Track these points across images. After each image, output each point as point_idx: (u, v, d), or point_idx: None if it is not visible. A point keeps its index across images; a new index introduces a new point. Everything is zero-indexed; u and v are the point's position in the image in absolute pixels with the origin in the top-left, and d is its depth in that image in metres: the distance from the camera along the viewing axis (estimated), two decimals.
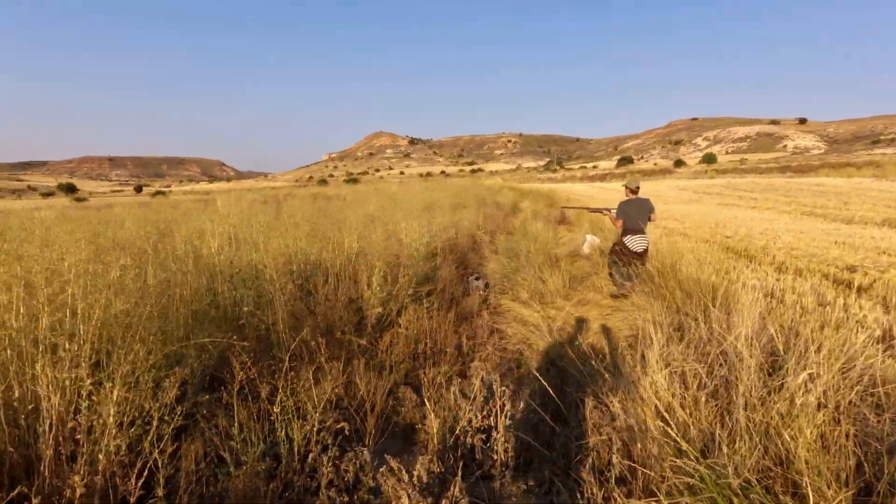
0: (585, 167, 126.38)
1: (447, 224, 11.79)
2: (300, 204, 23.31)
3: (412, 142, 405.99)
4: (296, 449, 2.65)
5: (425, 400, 2.99)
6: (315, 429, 2.71)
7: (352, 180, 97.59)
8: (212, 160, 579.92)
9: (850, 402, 2.23)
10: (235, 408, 2.65)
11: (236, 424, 2.62)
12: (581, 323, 5.53)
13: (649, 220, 6.81)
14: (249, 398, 2.85)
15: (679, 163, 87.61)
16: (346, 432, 2.83)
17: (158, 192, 73.50)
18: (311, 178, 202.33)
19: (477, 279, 7.53)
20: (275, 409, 2.70)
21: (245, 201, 29.94)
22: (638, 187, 6.99)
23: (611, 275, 6.97)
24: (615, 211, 7.09)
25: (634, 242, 6.71)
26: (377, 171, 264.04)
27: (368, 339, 4.27)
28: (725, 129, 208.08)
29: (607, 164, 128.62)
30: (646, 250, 6.75)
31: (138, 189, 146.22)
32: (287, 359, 2.89)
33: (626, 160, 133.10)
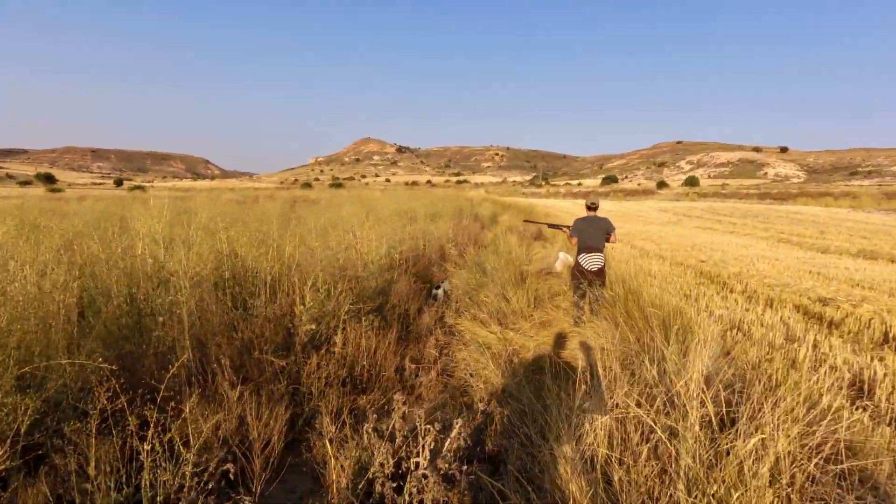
0: (570, 184, 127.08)
1: (416, 234, 11.41)
2: (273, 206, 22.77)
3: (400, 150, 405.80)
4: (160, 497, 2.22)
5: (326, 441, 2.58)
6: (190, 472, 2.29)
7: (336, 185, 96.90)
8: (197, 157, 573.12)
9: (808, 477, 1.87)
10: (93, 443, 2.21)
11: (92, 463, 2.19)
12: (538, 349, 5.16)
13: (608, 240, 6.51)
14: (114, 432, 2.41)
15: (662, 184, 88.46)
16: (233, 475, 2.40)
17: (137, 187, 71.96)
18: (296, 180, 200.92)
19: (437, 288, 7.19)
20: (144, 447, 2.27)
21: (222, 201, 29.23)
22: (595, 205, 6.67)
23: (575, 304, 6.58)
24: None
25: (588, 261, 6.39)
26: (363, 177, 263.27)
27: (294, 361, 3.84)
28: (709, 154, 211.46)
29: (592, 182, 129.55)
30: (601, 270, 6.40)
31: (118, 183, 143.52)
32: (165, 383, 2.44)
33: (610, 179, 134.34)
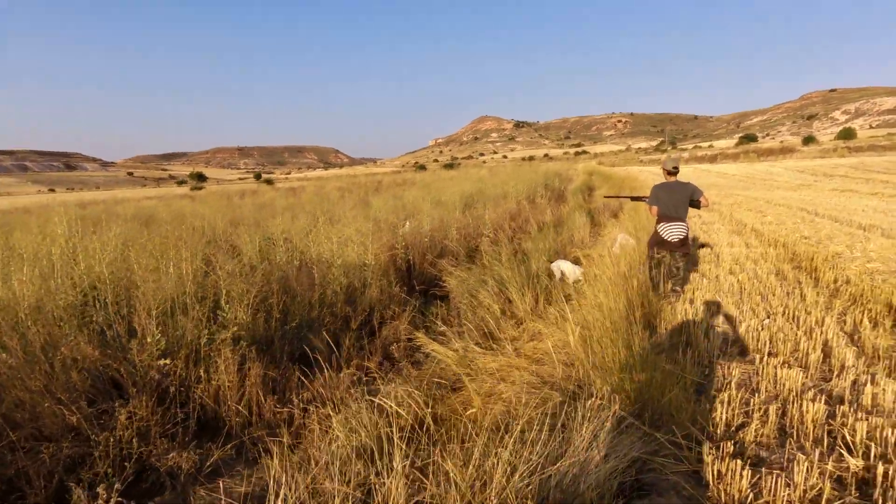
0: (700, 146, 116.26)
1: (466, 219, 10.35)
2: (336, 194, 22.74)
3: (517, 125, 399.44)
4: None
5: None
6: None
7: (448, 166, 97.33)
8: (328, 148, 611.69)
9: None
10: None
11: None
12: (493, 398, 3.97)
13: (696, 205, 5.80)
14: None
15: (809, 139, 77.55)
16: None
17: (267, 181, 77.54)
18: (416, 163, 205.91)
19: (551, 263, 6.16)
20: None
21: (327, 188, 29.99)
22: (676, 167, 5.93)
23: (649, 269, 6.03)
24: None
25: (668, 231, 5.78)
26: (481, 154, 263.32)
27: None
28: (870, 101, 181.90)
29: (726, 144, 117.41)
30: (684, 240, 5.79)
31: (257, 177, 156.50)
32: None
33: (748, 138, 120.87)
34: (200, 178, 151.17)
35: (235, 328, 4.14)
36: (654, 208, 5.89)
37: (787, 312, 4.79)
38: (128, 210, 18.15)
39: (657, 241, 5.88)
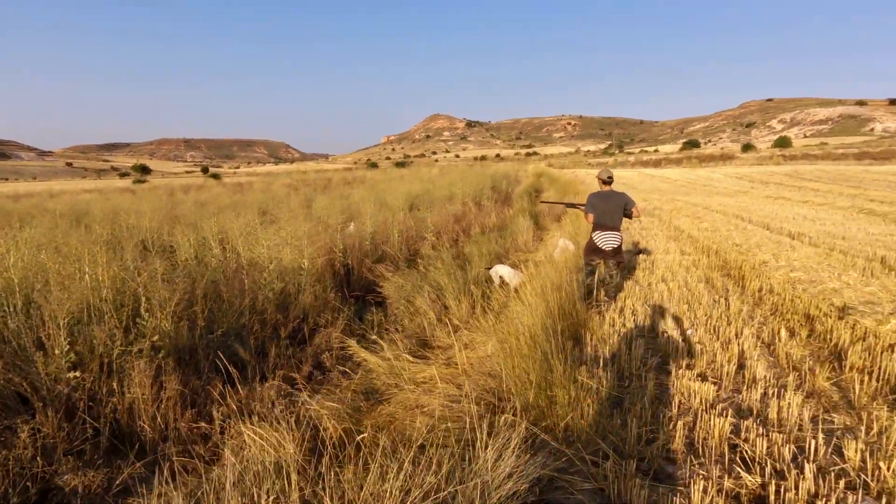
0: (646, 151, 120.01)
1: (405, 221, 10.25)
2: (282, 191, 22.25)
3: (469, 124, 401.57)
4: None
5: None
6: None
7: (400, 164, 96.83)
8: (278, 143, 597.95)
9: None
10: None
11: None
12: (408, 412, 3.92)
13: (629, 215, 5.93)
14: None
15: (747, 147, 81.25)
16: None
17: (214, 176, 75.09)
18: (368, 160, 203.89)
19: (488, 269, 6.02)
20: None
21: (275, 185, 29.20)
22: (610, 177, 6.07)
23: (585, 277, 6.17)
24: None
25: (603, 239, 5.89)
26: (434, 153, 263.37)
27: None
28: (804, 111, 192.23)
29: (671, 149, 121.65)
30: (617, 249, 5.93)
31: (205, 170, 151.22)
32: None
33: (691, 143, 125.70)
34: (144, 170, 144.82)
35: (156, 337, 3.94)
36: (591, 216, 5.96)
37: (709, 322, 4.96)
38: (61, 205, 17.14)
39: (592, 249, 5.98)
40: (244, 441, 3.12)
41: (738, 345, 4.20)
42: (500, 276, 6.94)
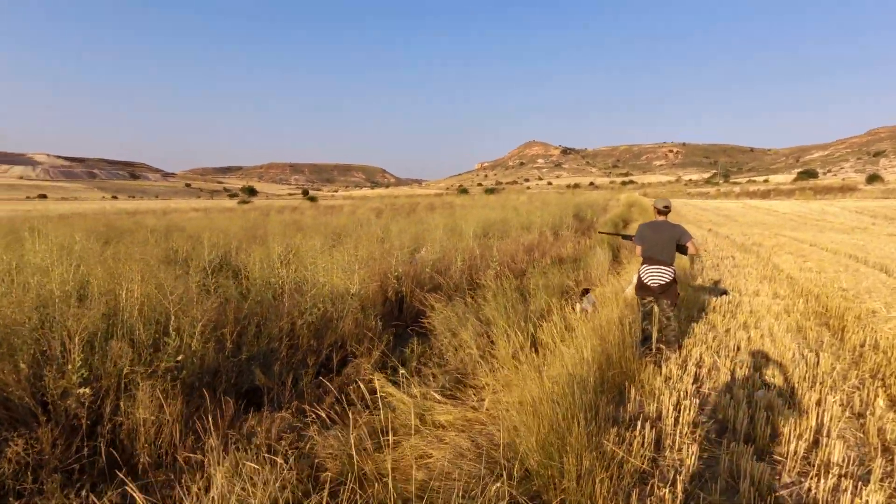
0: (755, 181, 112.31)
1: (475, 251, 9.98)
2: (367, 215, 22.71)
3: (564, 151, 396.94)
4: None
5: None
6: None
7: (490, 190, 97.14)
8: (375, 168, 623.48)
9: None
10: None
11: None
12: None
13: (683, 250, 5.28)
14: None
15: (873, 178, 73.69)
16: None
17: (311, 198, 79.35)
18: (460, 186, 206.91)
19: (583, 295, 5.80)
20: None
21: (364, 208, 30.38)
22: (667, 207, 5.48)
23: (641, 319, 5.57)
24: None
25: (649, 274, 5.30)
26: (526, 180, 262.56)
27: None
28: None
29: (783, 179, 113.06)
30: (666, 286, 5.25)
31: (305, 193, 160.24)
32: None
33: (807, 174, 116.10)
34: (251, 192, 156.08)
35: (181, 357, 3.93)
36: (639, 248, 5.47)
37: (789, 382, 4.22)
38: (164, 221, 18.60)
39: (640, 285, 5.44)
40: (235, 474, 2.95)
41: (819, 414, 3.47)
42: (594, 305, 6.63)
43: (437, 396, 4.35)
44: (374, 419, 4.20)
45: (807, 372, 4.43)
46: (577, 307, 6.90)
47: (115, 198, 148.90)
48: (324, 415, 3.70)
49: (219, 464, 3.19)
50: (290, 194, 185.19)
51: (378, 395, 4.47)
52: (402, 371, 4.58)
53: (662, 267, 5.22)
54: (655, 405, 3.61)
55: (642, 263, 5.41)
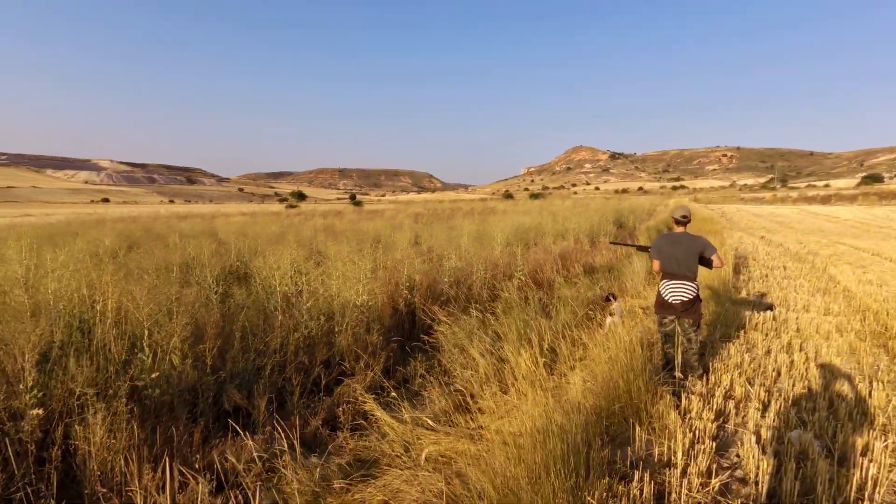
0: (814, 185, 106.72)
1: (495, 259, 9.56)
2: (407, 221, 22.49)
3: (613, 156, 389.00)
4: None
5: None
6: None
7: (535, 196, 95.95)
8: (422, 172, 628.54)
9: None
10: None
11: None
12: None
13: (707, 263, 4.75)
14: None
15: None
16: None
17: (356, 203, 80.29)
18: (506, 191, 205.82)
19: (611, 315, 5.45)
20: None
21: (405, 213, 30.52)
22: (685, 216, 4.88)
23: (662, 341, 5.06)
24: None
25: (669, 291, 4.75)
26: (573, 185, 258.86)
27: None
28: None
29: (845, 184, 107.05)
30: (688, 303, 4.68)
31: (352, 197, 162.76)
32: None
33: (872, 178, 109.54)
34: (300, 196, 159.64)
35: (156, 374, 3.72)
36: (656, 262, 4.92)
37: (832, 419, 3.61)
38: (200, 226, 18.88)
39: (660, 303, 4.86)
40: None
41: (863, 467, 2.87)
42: (622, 316, 6.26)
43: (429, 422, 3.98)
44: (359, 446, 3.89)
45: (856, 407, 3.82)
46: (608, 320, 6.40)
47: (171, 202, 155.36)
48: (296, 443, 3.38)
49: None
50: (339, 199, 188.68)
51: (371, 418, 4.16)
52: (393, 394, 4.24)
53: (685, 282, 4.68)
54: (667, 446, 3.10)
55: (661, 279, 4.87)
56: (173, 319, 4.01)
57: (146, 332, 3.84)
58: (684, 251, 4.69)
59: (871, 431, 3.40)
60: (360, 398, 4.37)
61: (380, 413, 4.01)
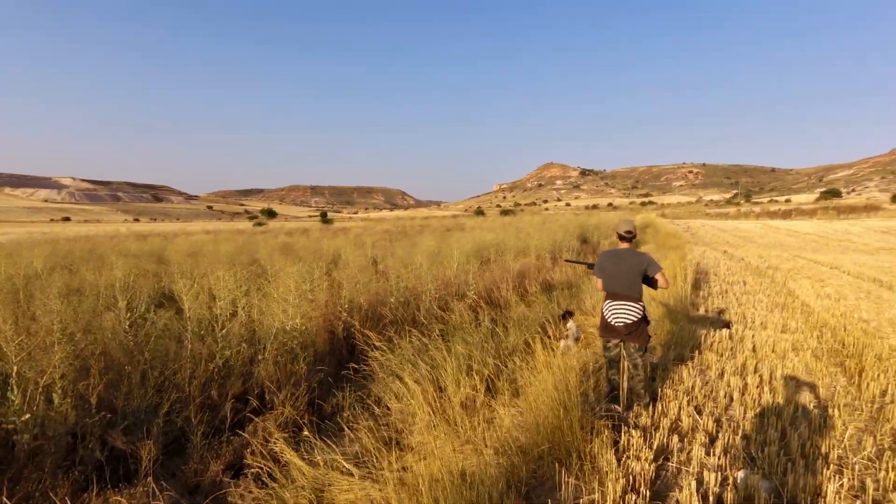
0: (776, 200, 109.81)
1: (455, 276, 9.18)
2: (370, 237, 22.03)
3: (583, 173, 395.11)
4: None
5: None
6: None
7: (505, 212, 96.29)
8: (395, 190, 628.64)
9: None
10: None
11: None
12: None
13: (652, 283, 4.40)
14: None
15: None
16: None
17: (327, 221, 79.24)
18: (477, 207, 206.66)
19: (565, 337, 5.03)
20: None
21: (372, 230, 30.03)
22: (630, 232, 4.49)
23: (607, 367, 4.68)
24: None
25: (612, 312, 4.39)
26: (545, 201, 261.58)
27: None
28: None
29: (805, 199, 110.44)
30: (632, 325, 4.29)
31: (323, 215, 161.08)
32: None
33: (831, 193, 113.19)
34: (271, 214, 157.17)
35: (27, 416, 3.21)
36: (599, 281, 4.55)
37: (779, 455, 3.28)
38: (150, 246, 18.02)
39: (603, 326, 4.49)
40: None
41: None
42: (578, 339, 6.00)
43: (344, 465, 3.53)
44: (263, 495, 3.42)
45: (809, 439, 3.50)
46: (561, 343, 6.04)
47: (136, 220, 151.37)
48: (183, 500, 2.90)
49: None
50: (310, 216, 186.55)
51: (282, 461, 3.69)
52: (305, 432, 3.78)
53: (628, 303, 4.31)
54: (598, 493, 2.71)
55: (605, 299, 4.50)
56: (57, 351, 3.51)
57: (14, 368, 3.33)
58: (627, 269, 4.32)
59: (825, 469, 3.07)
60: (273, 437, 3.91)
61: (289, 455, 3.55)
